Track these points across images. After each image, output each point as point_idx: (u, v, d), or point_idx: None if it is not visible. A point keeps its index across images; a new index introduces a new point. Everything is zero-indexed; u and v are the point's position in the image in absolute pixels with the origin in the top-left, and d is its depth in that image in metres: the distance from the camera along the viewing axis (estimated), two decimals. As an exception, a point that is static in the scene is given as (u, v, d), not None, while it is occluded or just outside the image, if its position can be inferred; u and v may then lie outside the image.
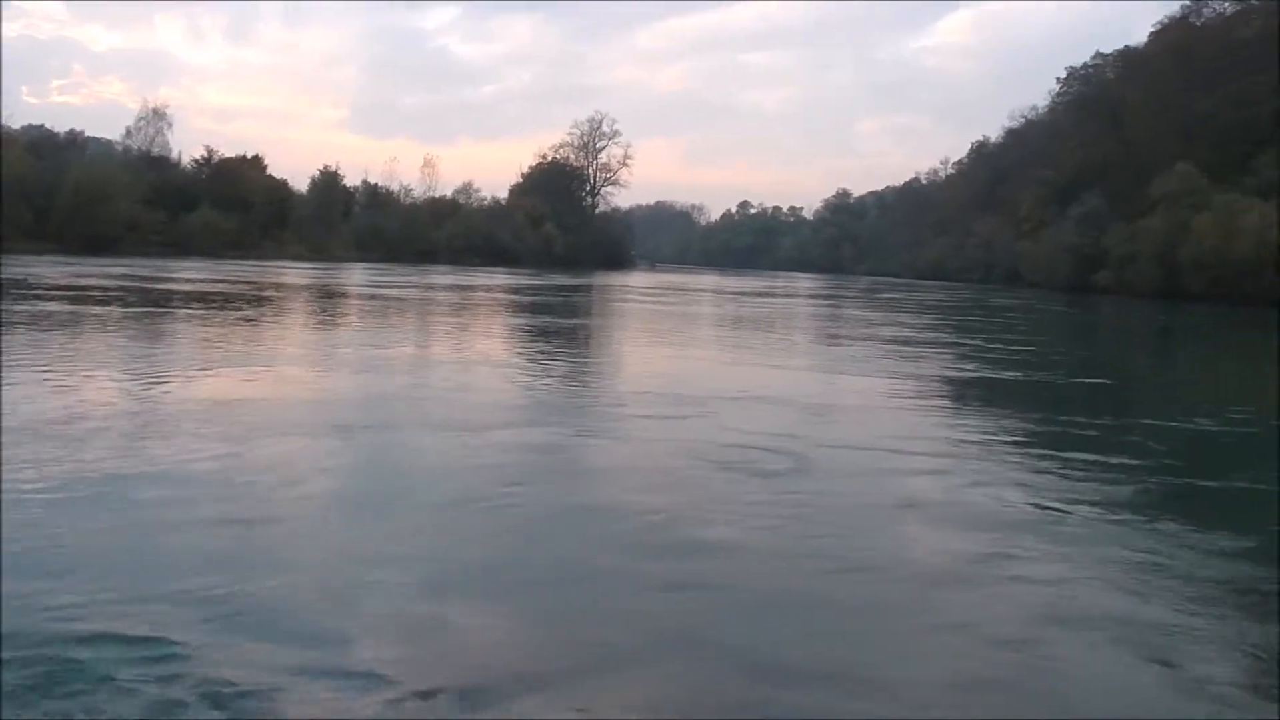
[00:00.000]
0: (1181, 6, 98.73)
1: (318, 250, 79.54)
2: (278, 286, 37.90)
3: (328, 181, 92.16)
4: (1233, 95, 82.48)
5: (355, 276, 51.20)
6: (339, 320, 25.59)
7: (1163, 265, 74.98)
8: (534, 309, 34.37)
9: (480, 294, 41.91)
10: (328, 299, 33.75)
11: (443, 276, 56.91)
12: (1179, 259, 72.41)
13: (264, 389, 12.31)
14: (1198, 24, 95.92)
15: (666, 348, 22.60)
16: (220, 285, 34.72)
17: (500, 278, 60.18)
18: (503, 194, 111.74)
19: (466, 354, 18.58)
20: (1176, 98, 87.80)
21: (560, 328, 26.33)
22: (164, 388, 11.80)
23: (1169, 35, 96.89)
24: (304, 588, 5.43)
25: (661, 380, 15.33)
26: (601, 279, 71.21)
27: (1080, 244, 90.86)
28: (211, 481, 7.52)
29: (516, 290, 46.69)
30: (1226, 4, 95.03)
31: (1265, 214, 64.92)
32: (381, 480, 8.07)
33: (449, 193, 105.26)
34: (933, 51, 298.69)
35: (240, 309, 25.31)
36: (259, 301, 28.91)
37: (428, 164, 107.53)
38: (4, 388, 10.71)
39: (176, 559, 5.75)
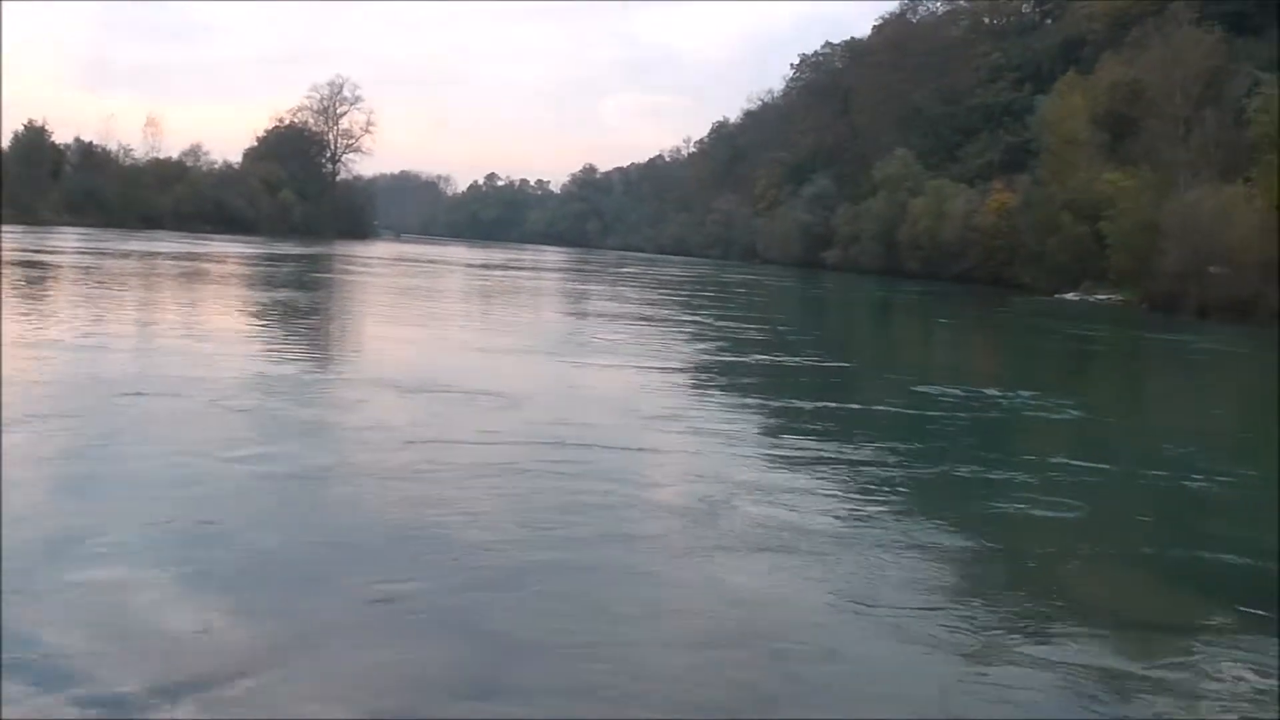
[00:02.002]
0: (900, 4, 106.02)
1: (21, 213, 72.20)
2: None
3: (32, 138, 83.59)
4: (943, 89, 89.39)
5: (48, 241, 45.70)
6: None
7: (884, 244, 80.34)
8: (240, 280, 32.03)
9: (187, 263, 38.21)
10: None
11: (158, 244, 52.18)
12: (897, 239, 77.80)
13: None
14: (914, 21, 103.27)
15: (367, 326, 21.48)
16: None
17: (224, 246, 56.25)
18: (236, 158, 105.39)
19: (82, 335, 15.16)
20: (895, 88, 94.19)
21: (249, 301, 24.30)
22: None
23: (888, 30, 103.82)
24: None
25: (323, 367, 13.93)
26: (338, 249, 68.54)
27: (811, 222, 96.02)
28: None
29: (233, 259, 43.56)
30: (939, 4, 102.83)
31: (970, 199, 70.72)
32: None
33: (175, 155, 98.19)
34: (678, 31, 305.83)
35: None
36: None
37: (151, 124, 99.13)
38: None
39: None
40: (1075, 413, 14.11)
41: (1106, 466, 10.23)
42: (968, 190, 72.66)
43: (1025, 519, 7.83)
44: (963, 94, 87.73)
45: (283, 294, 27.89)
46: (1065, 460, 10.26)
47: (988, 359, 24.65)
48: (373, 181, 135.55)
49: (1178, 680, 4.95)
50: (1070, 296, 52.15)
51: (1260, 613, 5.84)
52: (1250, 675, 4.95)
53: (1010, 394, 15.42)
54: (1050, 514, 8.03)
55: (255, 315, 21.40)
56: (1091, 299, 50.40)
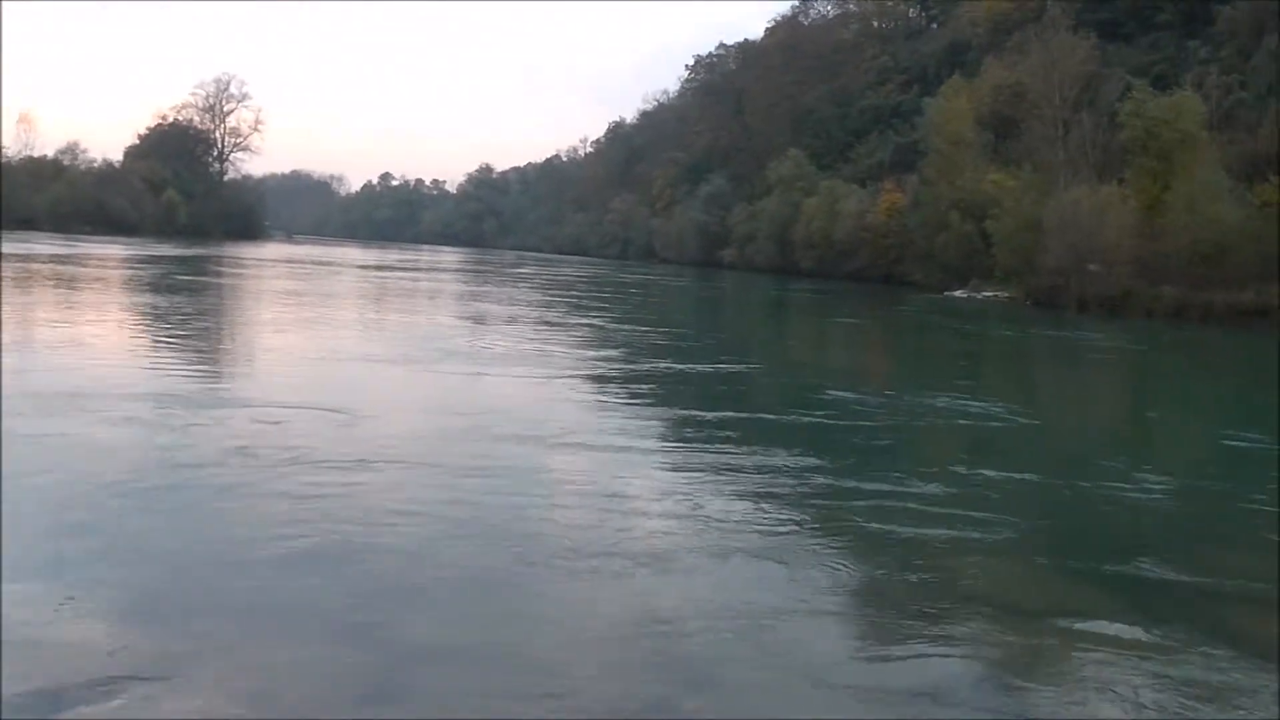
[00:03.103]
0: (792, 6, 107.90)
1: (-118, 214, 68.31)
2: None
3: (-107, 135, 79.49)
4: (834, 91, 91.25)
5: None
6: None
7: (779, 243, 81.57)
8: (95, 283, 29.69)
9: (40, 265, 34.58)
10: None
11: (25, 245, 47.30)
12: (792, 238, 79.04)
13: None
14: (805, 23, 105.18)
15: (221, 334, 19.81)
16: None
17: (98, 247, 53.15)
18: (116, 156, 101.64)
19: None
20: (787, 90, 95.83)
21: (93, 306, 22.47)
22: None
23: (781, 32, 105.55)
24: None
25: (149, 379, 12.42)
26: (224, 250, 66.16)
27: (707, 222, 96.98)
28: None
29: (99, 261, 40.74)
30: (829, 7, 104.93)
31: (862, 199, 72.26)
32: None
33: (51, 153, 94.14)
34: (574, 30, 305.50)
35: None
36: None
37: (24, 120, 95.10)
38: None
39: None
40: (980, 413, 14.07)
41: (1014, 469, 10.26)
42: (859, 190, 74.23)
43: (927, 522, 7.74)
44: (853, 96, 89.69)
45: (141, 298, 25.84)
46: (971, 462, 10.26)
47: (890, 360, 24.91)
48: (262, 181, 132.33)
49: (1066, 680, 5.13)
50: (959, 293, 53.64)
51: (1134, 630, 5.83)
52: (1134, 676, 5.16)
53: (913, 396, 15.48)
54: (954, 517, 7.94)
55: (93, 322, 19.37)
56: (979, 296, 51.95)
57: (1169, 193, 42.65)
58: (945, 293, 54.31)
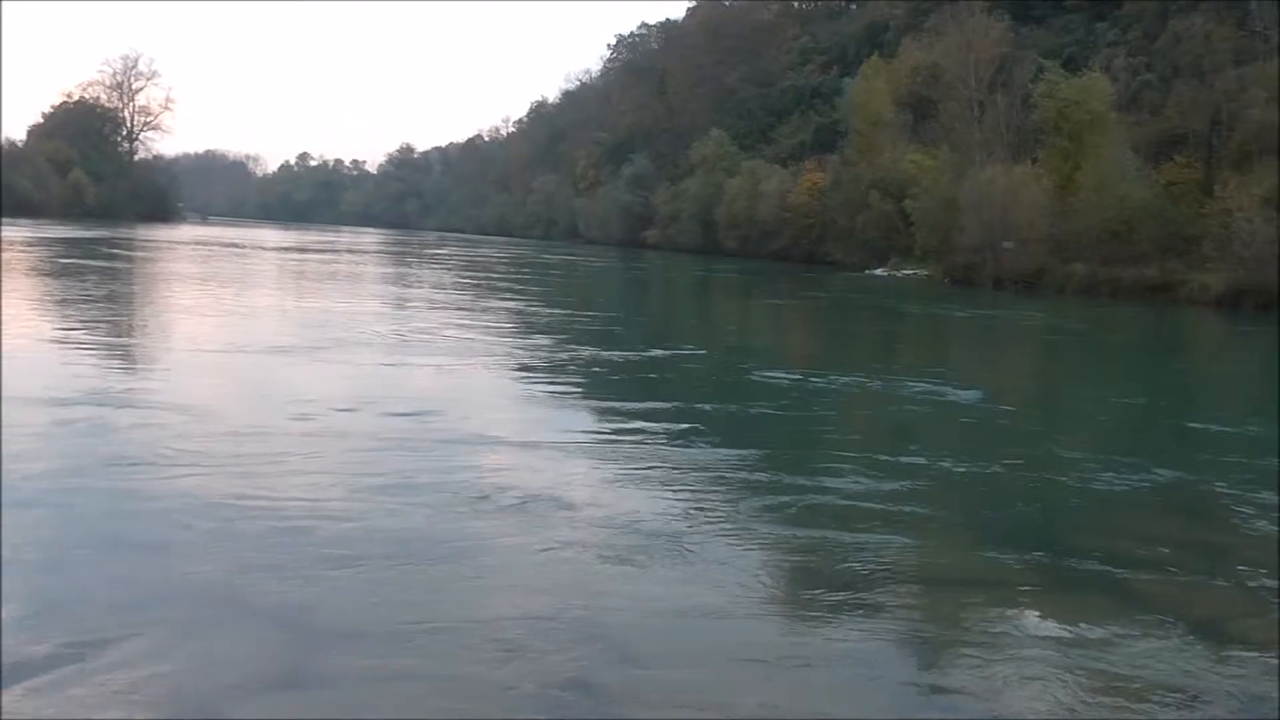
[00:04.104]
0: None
1: None
2: None
3: None
4: (755, 71, 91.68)
5: None
6: None
7: (702, 224, 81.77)
8: None
9: None
10: None
11: None
12: (715, 218, 79.29)
13: None
14: (726, 3, 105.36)
15: (122, 323, 18.80)
16: None
17: None
18: (19, 136, 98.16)
19: None
20: (709, 70, 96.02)
21: None
22: None
23: (702, 12, 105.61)
24: None
25: None
26: (130, 232, 63.91)
27: (632, 202, 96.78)
28: None
29: None
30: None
31: (784, 179, 72.71)
32: None
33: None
34: (497, 8, 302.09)
35: None
36: None
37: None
38: None
39: None
40: (913, 395, 13.77)
41: (959, 453, 10.16)
42: (781, 170, 74.63)
43: (864, 511, 7.66)
44: (774, 76, 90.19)
45: (27, 284, 24.40)
46: (907, 447, 10.17)
47: (816, 341, 24.89)
48: (175, 161, 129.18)
49: (1010, 673, 5.02)
50: (879, 272, 54.36)
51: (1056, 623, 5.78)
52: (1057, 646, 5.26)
53: (843, 378, 15.41)
54: (892, 506, 7.85)
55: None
56: (899, 274, 52.69)
57: (1080, 172, 43.69)
58: (866, 271, 54.93)
